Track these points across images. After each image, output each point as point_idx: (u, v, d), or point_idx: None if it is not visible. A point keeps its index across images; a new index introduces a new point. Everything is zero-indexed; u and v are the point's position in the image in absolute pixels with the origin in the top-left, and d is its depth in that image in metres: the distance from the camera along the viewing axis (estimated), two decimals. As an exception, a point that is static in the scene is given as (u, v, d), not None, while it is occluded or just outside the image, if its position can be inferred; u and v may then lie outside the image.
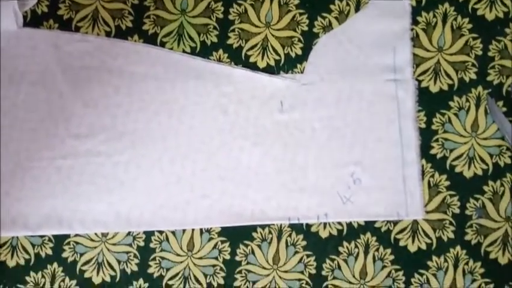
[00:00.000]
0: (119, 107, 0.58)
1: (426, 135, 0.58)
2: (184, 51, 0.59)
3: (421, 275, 0.57)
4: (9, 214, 0.56)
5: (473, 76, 0.58)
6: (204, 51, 0.59)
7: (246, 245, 0.57)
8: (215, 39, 0.59)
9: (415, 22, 0.59)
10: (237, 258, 0.57)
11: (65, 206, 0.57)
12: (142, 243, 0.57)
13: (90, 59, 0.58)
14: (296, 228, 0.57)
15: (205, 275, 0.57)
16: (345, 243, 0.57)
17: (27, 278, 0.57)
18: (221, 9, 0.59)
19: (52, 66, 0.58)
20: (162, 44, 0.59)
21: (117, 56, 0.58)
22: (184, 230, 0.57)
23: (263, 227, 0.57)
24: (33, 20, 0.59)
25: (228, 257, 0.57)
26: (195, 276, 0.57)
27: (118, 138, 0.58)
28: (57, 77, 0.58)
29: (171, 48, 0.59)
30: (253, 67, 0.59)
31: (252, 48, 0.59)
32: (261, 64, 0.59)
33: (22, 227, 0.56)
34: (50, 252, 0.57)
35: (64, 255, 0.57)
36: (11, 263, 0.57)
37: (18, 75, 0.58)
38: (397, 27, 0.59)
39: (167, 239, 0.57)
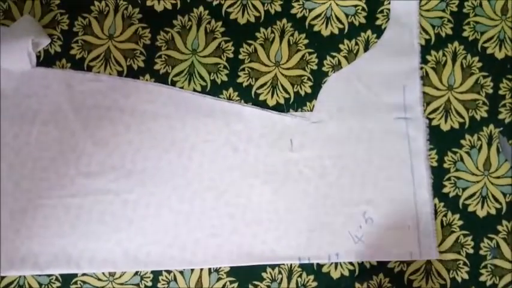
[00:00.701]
0: (129, 145, 0.61)
1: (438, 174, 0.60)
2: (195, 90, 0.62)
3: (436, 318, 0.57)
4: (19, 253, 0.59)
5: (484, 114, 0.61)
6: (214, 90, 0.62)
7: (256, 286, 0.59)
8: (225, 78, 0.62)
9: (424, 61, 0.62)
10: (247, 299, 0.58)
11: (74, 245, 0.59)
12: (149, 283, 0.59)
13: (102, 98, 0.62)
14: (307, 268, 0.59)
15: (214, 317, 0.58)
16: (357, 285, 0.58)
17: (33, 319, 0.58)
18: (231, 49, 0.63)
19: (64, 106, 0.61)
20: (173, 83, 0.62)
21: (129, 95, 0.62)
22: (192, 270, 0.59)
23: (273, 267, 0.59)
24: (46, 60, 0.63)
25: (237, 298, 0.58)
26: (203, 318, 0.58)
27: (127, 177, 0.60)
28: (69, 116, 0.61)
29: (182, 87, 0.62)
30: (263, 105, 0.62)
31: (261, 86, 0.62)
32: (271, 102, 0.62)
33: (32, 266, 0.59)
34: (57, 292, 0.59)
35: (71, 295, 0.59)
36: (18, 303, 0.59)
37: (31, 114, 0.61)
38: (406, 66, 0.62)
39: (175, 279, 0.59)
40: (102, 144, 0.61)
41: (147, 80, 0.63)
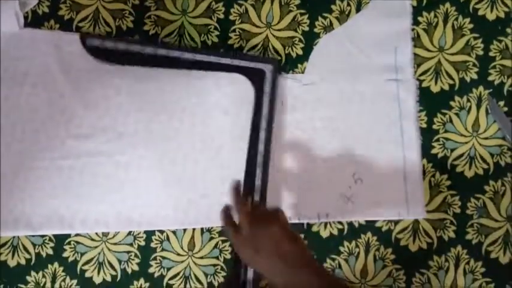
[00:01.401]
0: (120, 108, 0.62)
1: (427, 135, 0.61)
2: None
3: (422, 274, 0.60)
4: (11, 214, 0.60)
5: (475, 76, 0.62)
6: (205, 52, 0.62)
7: (247, 245, 0.60)
8: (216, 40, 0.62)
9: (416, 22, 0.62)
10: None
11: (66, 206, 0.60)
12: (143, 243, 0.60)
13: (91, 59, 0.61)
14: (297, 227, 0.61)
15: (206, 275, 0.60)
16: (346, 243, 0.60)
17: (28, 278, 0.60)
18: (222, 10, 0.63)
19: (53, 67, 0.62)
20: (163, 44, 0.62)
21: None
22: (185, 230, 0.61)
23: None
24: (34, 21, 0.63)
25: (229, 256, 0.60)
26: (195, 275, 0.60)
27: (119, 139, 0.61)
28: (58, 78, 0.62)
29: (172, 49, 0.62)
30: (254, 67, 0.62)
31: (252, 48, 0.62)
32: (262, 64, 0.62)
33: (24, 226, 0.60)
34: (50, 252, 0.61)
35: (65, 254, 0.61)
36: (12, 263, 0.61)
37: (20, 76, 0.61)
38: (398, 27, 0.62)
39: (168, 239, 0.60)
40: (92, 106, 0.62)
41: (136, 41, 0.63)
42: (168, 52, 0.61)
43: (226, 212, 0.54)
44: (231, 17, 0.63)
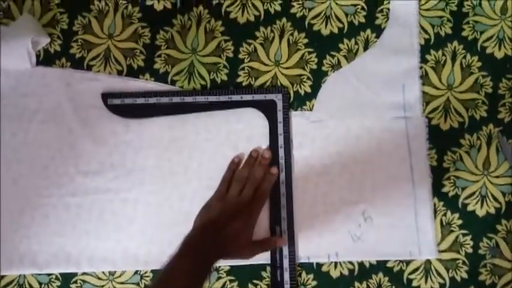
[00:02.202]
0: (129, 144, 0.63)
1: (437, 173, 0.61)
2: (194, 89, 0.63)
3: (435, 317, 0.59)
4: (17, 251, 0.60)
5: (484, 114, 0.62)
6: (215, 89, 0.63)
7: (255, 285, 0.60)
8: (225, 78, 0.64)
9: (424, 60, 0.63)
10: (246, 298, 0.60)
11: (73, 244, 0.61)
12: (149, 282, 0.60)
13: (101, 97, 0.63)
14: (306, 267, 0.60)
15: (214, 316, 0.60)
16: (357, 284, 0.60)
17: (33, 318, 0.60)
18: (231, 49, 0.64)
19: (63, 104, 0.63)
20: (173, 82, 0.64)
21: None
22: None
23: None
24: (46, 59, 0.64)
25: (237, 296, 0.60)
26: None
27: (127, 176, 0.62)
28: (68, 115, 0.63)
29: (182, 87, 0.63)
30: (263, 105, 0.63)
31: (261, 86, 0.63)
32: (271, 102, 0.63)
33: (30, 264, 0.60)
34: (56, 291, 0.60)
35: (71, 294, 0.60)
36: (17, 302, 0.60)
37: (30, 112, 0.63)
38: (406, 65, 0.63)
39: (175, 278, 0.60)
40: (101, 142, 0.63)
41: (146, 79, 0.64)
42: (183, 99, 0.62)
43: (228, 172, 0.60)
44: (240, 56, 0.64)
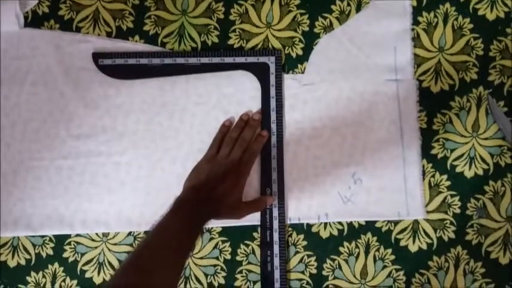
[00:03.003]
0: (120, 108, 0.63)
1: (427, 136, 0.62)
2: (185, 52, 0.63)
3: (422, 275, 0.61)
4: (11, 214, 0.61)
5: (474, 76, 0.63)
6: (205, 52, 0.63)
7: (247, 245, 0.61)
8: (216, 40, 0.63)
9: (416, 22, 0.63)
10: (238, 258, 0.61)
11: (66, 206, 0.61)
12: (140, 240, 0.61)
13: (91, 59, 0.63)
14: (297, 228, 0.61)
15: (206, 275, 0.61)
16: (346, 243, 0.61)
17: (28, 278, 0.61)
18: (222, 10, 0.64)
19: (53, 67, 0.63)
20: (163, 44, 0.63)
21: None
22: (185, 230, 0.61)
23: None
24: (34, 21, 0.64)
25: (228, 257, 0.61)
26: (196, 276, 0.61)
27: (119, 139, 0.62)
28: (58, 78, 0.63)
29: (172, 49, 0.63)
30: (254, 67, 0.63)
31: (253, 48, 0.63)
32: (262, 64, 0.63)
33: (24, 227, 0.61)
34: (50, 252, 0.62)
35: (65, 255, 0.62)
36: (12, 263, 0.62)
37: (21, 75, 0.62)
38: (398, 28, 0.63)
39: (168, 239, 0.61)
40: (92, 106, 0.63)
41: (136, 41, 0.64)
42: (175, 60, 0.62)
43: (218, 134, 0.61)
44: (231, 17, 0.64)
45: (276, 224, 0.60)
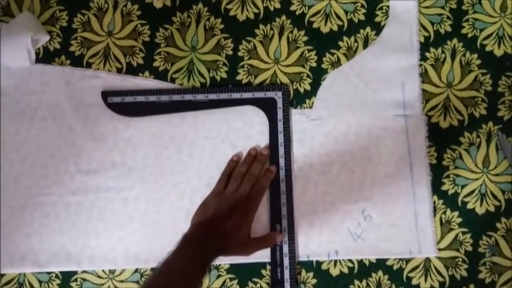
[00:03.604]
0: (128, 143, 0.63)
1: (437, 171, 0.62)
2: (194, 87, 0.64)
3: (435, 314, 0.60)
4: (18, 250, 0.61)
5: (483, 112, 0.63)
6: (214, 87, 0.64)
7: (255, 283, 0.61)
8: (225, 75, 0.64)
9: (423, 58, 0.64)
10: (246, 296, 0.60)
11: (74, 243, 0.61)
12: (147, 277, 0.60)
13: (101, 95, 0.63)
14: (306, 265, 0.61)
15: (214, 314, 0.60)
16: (357, 282, 0.60)
17: (33, 316, 0.61)
18: (231, 46, 0.65)
19: (63, 102, 0.63)
20: (173, 80, 0.64)
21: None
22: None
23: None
24: (45, 57, 0.65)
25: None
26: (203, 314, 0.60)
27: (127, 174, 0.62)
28: (68, 113, 0.63)
29: (181, 84, 0.64)
30: (263, 103, 0.64)
31: (261, 84, 0.64)
32: (270, 100, 0.64)
33: (31, 263, 0.61)
34: (56, 289, 0.61)
35: (71, 292, 0.61)
36: (18, 300, 0.61)
37: (31, 110, 0.63)
38: (405, 63, 0.64)
39: (175, 276, 0.60)
40: (101, 140, 0.63)
41: (146, 76, 0.65)
42: (183, 97, 0.63)
43: (227, 169, 0.61)
44: (240, 53, 0.65)
45: (286, 261, 0.59)
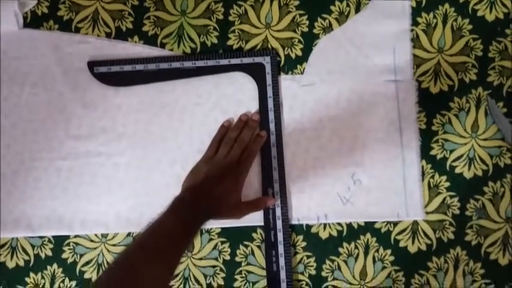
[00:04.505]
0: (119, 109, 0.63)
1: (426, 136, 0.63)
2: (184, 52, 0.64)
3: (421, 276, 0.61)
4: (11, 215, 0.61)
5: (474, 77, 0.63)
6: (205, 53, 0.64)
7: (246, 246, 0.62)
8: (215, 40, 0.64)
9: (415, 23, 0.64)
10: (237, 259, 0.62)
11: (65, 207, 0.62)
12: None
13: (88, 61, 0.63)
14: (296, 229, 0.62)
15: (205, 276, 0.62)
16: (345, 244, 0.62)
17: (26, 279, 0.62)
18: (221, 11, 0.64)
19: (53, 68, 0.63)
20: (162, 45, 0.64)
21: (118, 57, 0.63)
22: (184, 231, 0.61)
23: (263, 227, 0.62)
24: (33, 21, 0.64)
25: (228, 258, 0.62)
26: (195, 276, 0.62)
27: (118, 140, 0.63)
28: (57, 79, 0.63)
29: (171, 50, 0.64)
30: (253, 68, 0.64)
31: (252, 49, 0.64)
32: (261, 65, 0.64)
33: (24, 227, 0.62)
34: (49, 253, 0.62)
35: (64, 256, 0.62)
36: (11, 264, 0.62)
37: (21, 76, 0.63)
38: (397, 28, 0.64)
39: (167, 240, 0.61)
40: (91, 107, 0.63)
41: (135, 42, 0.64)
42: (170, 64, 0.63)
43: (217, 135, 0.62)
44: (230, 18, 0.64)
45: (279, 224, 0.61)
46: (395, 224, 0.62)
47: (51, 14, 0.64)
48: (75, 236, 0.62)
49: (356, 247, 0.62)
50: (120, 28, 0.64)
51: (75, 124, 0.63)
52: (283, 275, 0.60)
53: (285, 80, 0.64)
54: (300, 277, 0.61)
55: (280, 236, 0.60)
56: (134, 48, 0.64)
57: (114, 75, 0.63)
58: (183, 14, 0.64)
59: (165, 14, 0.64)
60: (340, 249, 0.62)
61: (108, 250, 0.62)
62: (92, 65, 0.63)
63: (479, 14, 0.64)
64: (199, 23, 0.64)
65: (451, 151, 0.63)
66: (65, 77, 0.63)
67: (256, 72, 0.63)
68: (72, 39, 0.64)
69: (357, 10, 0.64)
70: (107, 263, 0.62)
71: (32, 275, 0.62)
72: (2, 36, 0.63)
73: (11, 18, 0.63)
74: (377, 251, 0.62)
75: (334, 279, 0.62)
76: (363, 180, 0.62)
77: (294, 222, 0.62)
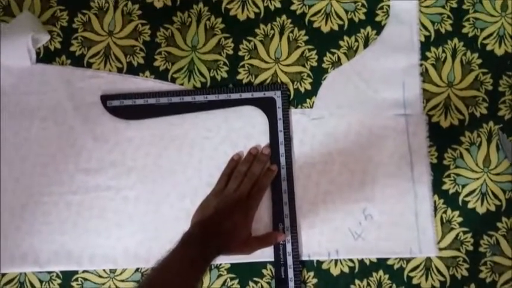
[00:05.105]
0: (129, 142, 0.64)
1: (438, 171, 0.62)
2: (194, 87, 0.64)
3: (435, 314, 0.60)
4: (19, 249, 0.61)
5: (484, 111, 0.63)
6: (215, 87, 0.64)
7: (256, 282, 0.61)
8: (225, 75, 0.65)
9: (424, 57, 0.64)
10: (247, 295, 0.61)
11: (74, 242, 0.62)
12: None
13: (101, 94, 0.64)
14: (307, 265, 0.61)
15: (215, 313, 0.61)
16: (357, 281, 0.61)
17: (33, 315, 0.61)
18: (231, 46, 0.65)
19: (64, 102, 0.64)
20: (173, 80, 0.65)
21: (129, 91, 0.64)
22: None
23: (273, 263, 0.61)
24: (46, 56, 0.65)
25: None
26: (204, 314, 0.61)
27: (127, 173, 0.63)
28: (68, 113, 0.64)
29: (182, 84, 0.65)
30: (263, 102, 0.64)
31: (261, 83, 0.65)
32: (271, 99, 0.64)
33: (32, 262, 0.61)
34: (57, 288, 0.62)
35: (72, 291, 0.61)
36: (18, 300, 0.62)
37: (31, 110, 0.64)
38: (406, 63, 0.64)
39: (176, 276, 0.61)
40: (101, 140, 0.64)
41: (147, 76, 0.65)
42: (182, 98, 0.63)
43: (227, 169, 0.62)
44: (240, 53, 0.65)
45: (290, 260, 0.60)
46: (408, 260, 0.61)
47: (64, 49, 0.65)
48: (84, 271, 0.62)
49: (368, 284, 0.61)
50: (132, 63, 0.65)
51: (85, 157, 0.63)
52: (293, 312, 0.59)
53: (294, 114, 0.64)
54: (311, 315, 0.60)
55: (290, 273, 0.60)
56: (145, 83, 0.64)
57: (126, 108, 0.63)
58: (194, 50, 0.65)
59: (176, 49, 0.65)
60: (352, 287, 0.61)
61: (116, 286, 0.61)
62: (105, 98, 0.63)
63: (489, 48, 0.64)
64: (210, 58, 0.65)
65: (463, 186, 0.62)
66: (76, 111, 0.64)
67: (266, 106, 0.63)
68: (84, 74, 0.65)
69: (366, 45, 0.65)
70: (115, 299, 0.61)
71: (39, 311, 0.61)
72: (15, 71, 0.64)
73: (24, 54, 0.64)
74: (389, 288, 0.61)
75: (346, 317, 0.60)
76: (374, 215, 0.62)
77: (305, 258, 0.61)
